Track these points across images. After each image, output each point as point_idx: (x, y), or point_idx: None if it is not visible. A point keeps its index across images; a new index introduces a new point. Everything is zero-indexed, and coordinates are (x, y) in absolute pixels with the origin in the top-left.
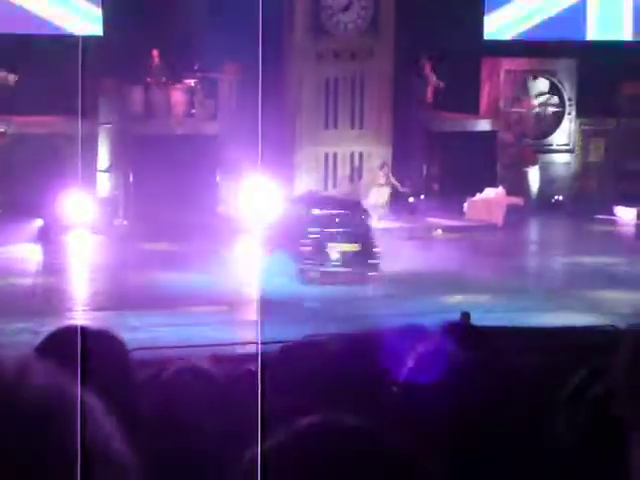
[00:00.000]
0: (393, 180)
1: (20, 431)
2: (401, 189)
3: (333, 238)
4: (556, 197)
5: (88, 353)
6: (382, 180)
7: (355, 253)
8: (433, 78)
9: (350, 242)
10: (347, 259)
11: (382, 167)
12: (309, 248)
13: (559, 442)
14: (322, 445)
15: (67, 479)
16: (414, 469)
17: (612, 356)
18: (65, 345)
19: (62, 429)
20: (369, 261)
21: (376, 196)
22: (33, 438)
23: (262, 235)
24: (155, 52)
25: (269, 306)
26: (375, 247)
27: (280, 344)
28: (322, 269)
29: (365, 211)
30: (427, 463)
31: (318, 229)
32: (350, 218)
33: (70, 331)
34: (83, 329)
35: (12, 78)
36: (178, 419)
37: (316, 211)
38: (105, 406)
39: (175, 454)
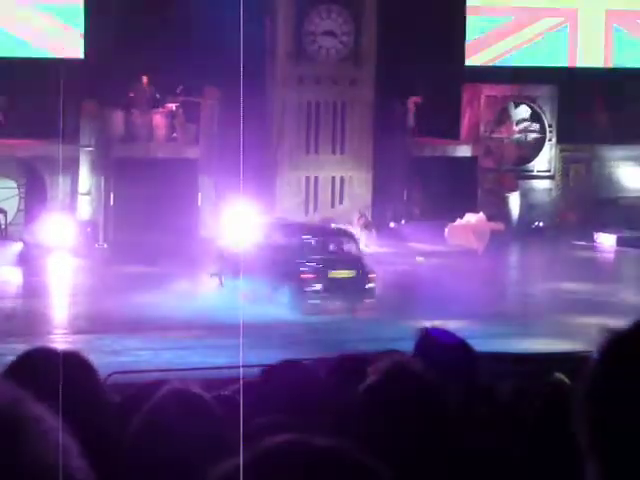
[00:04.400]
0: (368, 220)
1: None
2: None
3: (332, 265)
4: (536, 223)
5: (55, 375)
6: (359, 227)
7: (351, 279)
8: (414, 109)
9: (347, 268)
10: (344, 286)
11: (360, 217)
12: (311, 276)
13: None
14: (288, 465)
15: None
16: None
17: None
18: (33, 367)
19: (15, 449)
20: (366, 286)
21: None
22: None
23: (213, 262)
24: (137, 76)
25: (250, 330)
26: (370, 272)
27: (261, 367)
28: (322, 296)
29: (354, 237)
30: None
31: (317, 256)
32: (342, 244)
33: (39, 353)
34: (52, 351)
35: None
36: (158, 441)
37: (307, 238)
38: (69, 427)
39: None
